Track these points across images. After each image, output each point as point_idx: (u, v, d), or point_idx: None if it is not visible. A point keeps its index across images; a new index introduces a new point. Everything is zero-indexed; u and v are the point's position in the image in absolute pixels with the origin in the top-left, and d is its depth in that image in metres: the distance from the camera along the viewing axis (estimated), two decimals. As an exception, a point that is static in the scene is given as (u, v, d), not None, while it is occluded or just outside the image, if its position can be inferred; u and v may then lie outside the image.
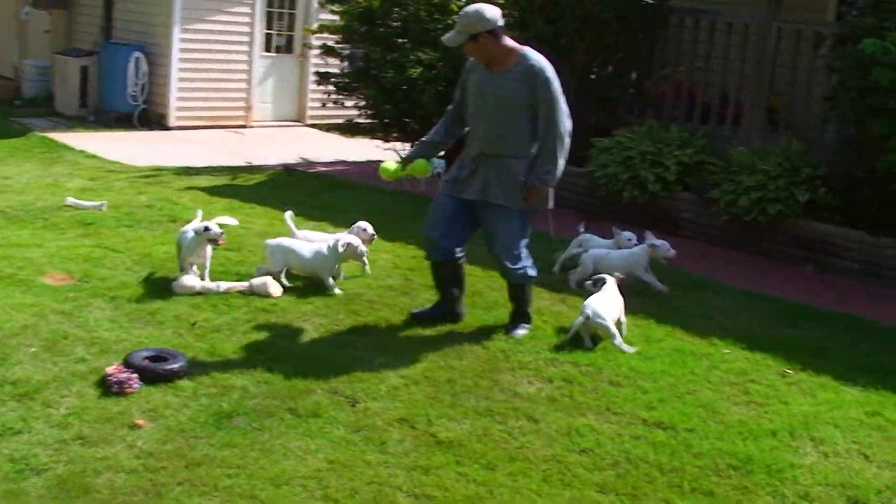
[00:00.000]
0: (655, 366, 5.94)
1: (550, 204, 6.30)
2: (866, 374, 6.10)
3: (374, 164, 13.14)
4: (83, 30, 16.28)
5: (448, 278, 6.41)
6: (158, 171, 11.15)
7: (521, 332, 6.30)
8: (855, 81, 8.49)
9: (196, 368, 5.29)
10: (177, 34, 14.92)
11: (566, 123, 5.99)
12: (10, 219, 8.09)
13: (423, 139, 6.53)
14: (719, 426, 5.16)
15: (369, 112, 13.32)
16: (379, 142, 13.75)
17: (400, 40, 12.67)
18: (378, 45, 12.66)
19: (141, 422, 4.65)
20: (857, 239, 8.71)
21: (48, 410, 4.66)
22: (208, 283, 6.61)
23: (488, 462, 4.57)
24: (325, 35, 14.11)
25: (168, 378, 5.11)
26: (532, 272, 6.28)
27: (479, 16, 5.79)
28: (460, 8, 12.38)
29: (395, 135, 13.35)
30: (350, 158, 13.43)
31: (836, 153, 9.24)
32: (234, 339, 5.83)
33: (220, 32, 15.51)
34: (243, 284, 6.70)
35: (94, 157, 11.68)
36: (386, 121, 13.04)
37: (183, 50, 15.10)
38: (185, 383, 5.11)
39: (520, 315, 6.40)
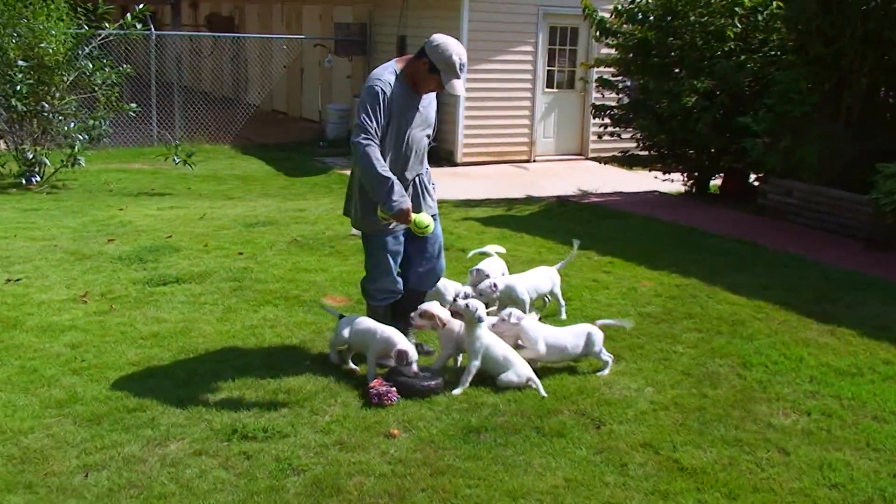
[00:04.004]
0: (929, 402, 5.53)
1: None
2: None
3: (650, 194, 13.17)
4: (380, 74, 17.46)
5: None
6: (441, 203, 11.67)
7: None
8: None
9: (451, 385, 5.56)
10: (464, 74, 15.62)
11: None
12: (301, 246, 8.89)
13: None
14: None
15: (646, 143, 13.32)
16: (658, 173, 13.69)
17: (675, 70, 12.59)
18: (652, 75, 12.65)
19: (396, 431, 4.97)
20: None
21: (314, 417, 5.10)
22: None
23: (730, 491, 4.47)
24: (603, 69, 14.29)
25: (424, 394, 5.42)
26: None
27: None
28: (737, 35, 12.19)
29: (672, 165, 13.25)
30: (627, 190, 13.45)
31: None
32: (490, 360, 6.04)
33: (504, 71, 16.12)
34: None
35: (383, 191, 12.47)
36: (663, 151, 12.97)
37: (469, 89, 15.81)
38: (439, 398, 5.39)
39: None
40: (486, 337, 5.64)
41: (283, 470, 4.50)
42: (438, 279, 6.16)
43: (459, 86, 5.52)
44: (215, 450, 4.68)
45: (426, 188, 5.90)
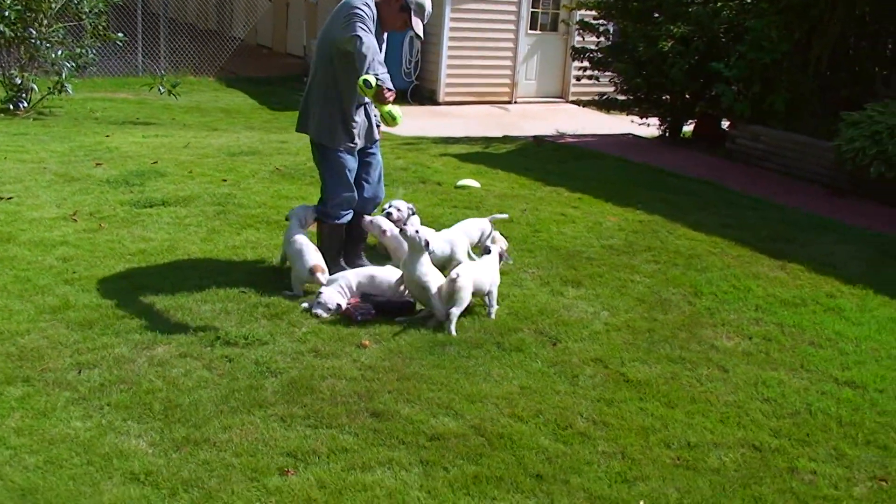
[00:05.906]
0: (862, 331, 5.97)
1: None
2: None
3: (625, 137, 13.51)
4: (365, 11, 17.59)
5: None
6: (420, 139, 12.06)
7: None
8: None
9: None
10: (447, 14, 15.86)
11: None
12: (283, 175, 9.22)
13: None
14: (916, 390, 5.17)
15: (624, 87, 13.62)
16: (635, 117, 14.01)
17: (655, 14, 12.85)
18: (632, 19, 12.91)
19: (367, 342, 5.36)
20: None
21: (292, 328, 5.49)
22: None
23: (670, 401, 4.90)
24: (585, 12, 14.52)
25: (399, 312, 5.80)
26: None
27: None
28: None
29: (648, 109, 13.56)
30: (604, 132, 13.78)
31: None
32: (459, 283, 6.40)
33: (488, 12, 16.32)
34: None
35: (365, 126, 12.77)
36: (639, 95, 13.28)
37: (453, 29, 16.04)
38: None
39: None
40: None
41: (262, 372, 4.89)
42: (379, 203, 6.67)
43: (421, 26, 6.07)
44: (199, 353, 5.07)
45: (372, 118, 6.38)
